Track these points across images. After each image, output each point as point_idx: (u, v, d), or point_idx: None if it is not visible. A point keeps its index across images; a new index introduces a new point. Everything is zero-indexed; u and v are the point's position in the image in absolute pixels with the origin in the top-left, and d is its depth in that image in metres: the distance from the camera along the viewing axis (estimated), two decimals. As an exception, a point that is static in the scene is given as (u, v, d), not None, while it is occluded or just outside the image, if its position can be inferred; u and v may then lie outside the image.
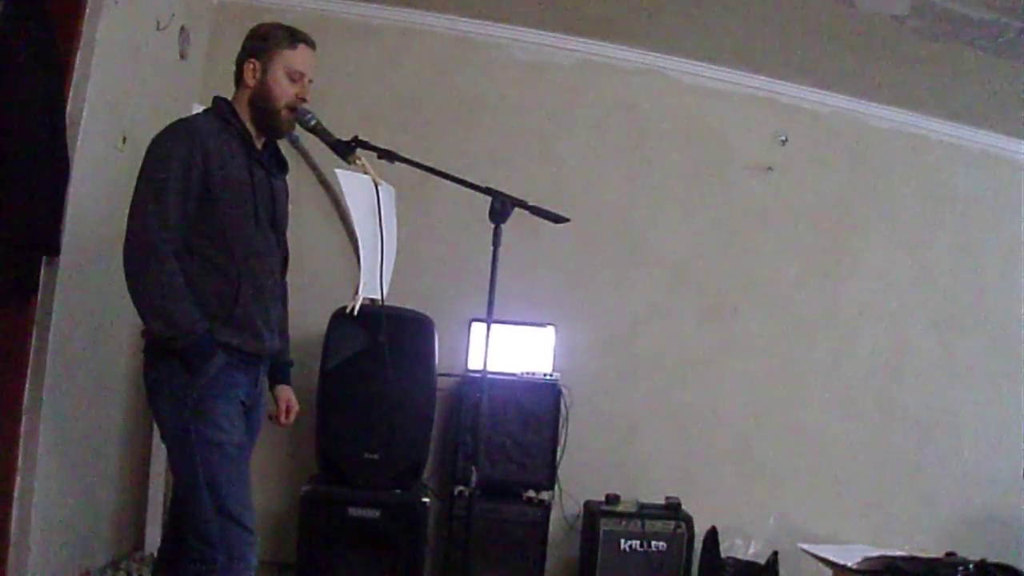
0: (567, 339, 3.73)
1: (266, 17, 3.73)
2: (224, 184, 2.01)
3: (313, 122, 2.20)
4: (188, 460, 1.96)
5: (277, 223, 2.20)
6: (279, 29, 2.15)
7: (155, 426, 3.42)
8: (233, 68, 2.17)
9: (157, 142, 2.01)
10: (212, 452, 1.96)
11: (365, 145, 2.20)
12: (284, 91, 2.11)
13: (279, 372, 2.32)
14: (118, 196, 2.91)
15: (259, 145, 2.16)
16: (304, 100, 2.15)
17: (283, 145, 3.08)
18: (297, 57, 2.12)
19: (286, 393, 2.33)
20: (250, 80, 2.11)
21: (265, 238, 2.13)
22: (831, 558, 3.15)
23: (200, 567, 1.95)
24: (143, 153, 2.03)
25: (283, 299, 2.30)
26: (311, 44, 2.16)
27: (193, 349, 1.93)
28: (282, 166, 2.26)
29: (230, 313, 2.01)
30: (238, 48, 2.18)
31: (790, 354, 4.17)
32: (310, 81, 2.16)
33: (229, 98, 2.15)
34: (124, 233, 1.96)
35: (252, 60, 2.11)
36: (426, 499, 3.21)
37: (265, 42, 2.12)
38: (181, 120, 2.06)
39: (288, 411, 2.32)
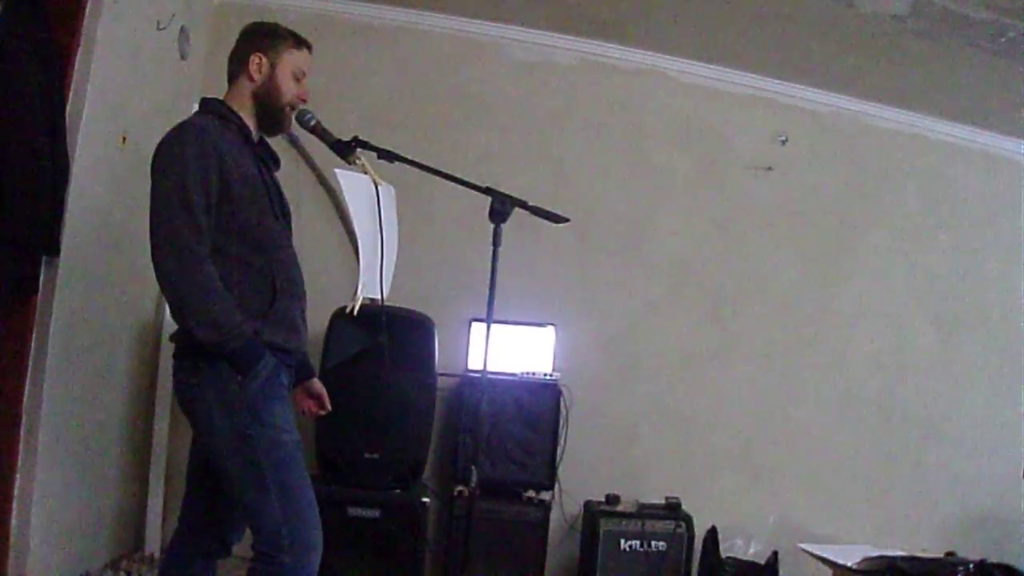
0: (567, 339, 3.73)
1: (266, 17, 3.73)
2: (241, 181, 1.98)
3: (313, 122, 2.21)
4: (253, 465, 1.91)
5: (287, 216, 2.19)
6: (281, 29, 2.16)
7: (155, 427, 3.45)
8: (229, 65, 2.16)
9: (168, 146, 1.96)
10: (277, 454, 1.92)
11: (365, 145, 2.20)
12: (290, 89, 2.12)
13: (305, 367, 2.30)
14: (118, 196, 2.93)
15: (255, 139, 2.15)
16: (305, 100, 2.16)
17: (283, 145, 3.08)
18: (302, 58, 2.14)
19: (318, 385, 2.32)
20: (256, 74, 2.09)
21: (283, 231, 2.12)
22: (831, 558, 3.15)
23: (267, 567, 1.91)
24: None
25: None
26: (311, 47, 2.18)
27: (244, 351, 1.89)
28: (275, 161, 2.26)
29: (269, 309, 1.98)
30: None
31: (790, 354, 4.17)
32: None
33: (220, 97, 2.13)
34: (151, 242, 1.90)
35: (259, 55, 2.09)
36: (426, 499, 3.21)
37: (272, 39, 2.12)
38: (186, 122, 2.02)
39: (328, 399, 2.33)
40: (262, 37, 2.13)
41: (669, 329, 4.08)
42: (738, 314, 4.14)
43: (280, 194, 2.17)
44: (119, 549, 3.29)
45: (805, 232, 4.24)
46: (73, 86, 2.66)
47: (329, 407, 2.33)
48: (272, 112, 2.12)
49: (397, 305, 3.25)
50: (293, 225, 2.22)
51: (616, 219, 4.08)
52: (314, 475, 3.22)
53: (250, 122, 2.11)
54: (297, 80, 2.13)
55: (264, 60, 2.09)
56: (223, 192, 1.95)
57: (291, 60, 2.12)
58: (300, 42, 2.15)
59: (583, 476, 3.75)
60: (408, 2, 3.84)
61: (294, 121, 2.22)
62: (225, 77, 2.16)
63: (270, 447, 1.91)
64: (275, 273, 2.01)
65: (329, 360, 3.20)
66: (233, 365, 1.89)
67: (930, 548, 3.43)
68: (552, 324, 3.68)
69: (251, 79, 2.10)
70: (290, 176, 3.70)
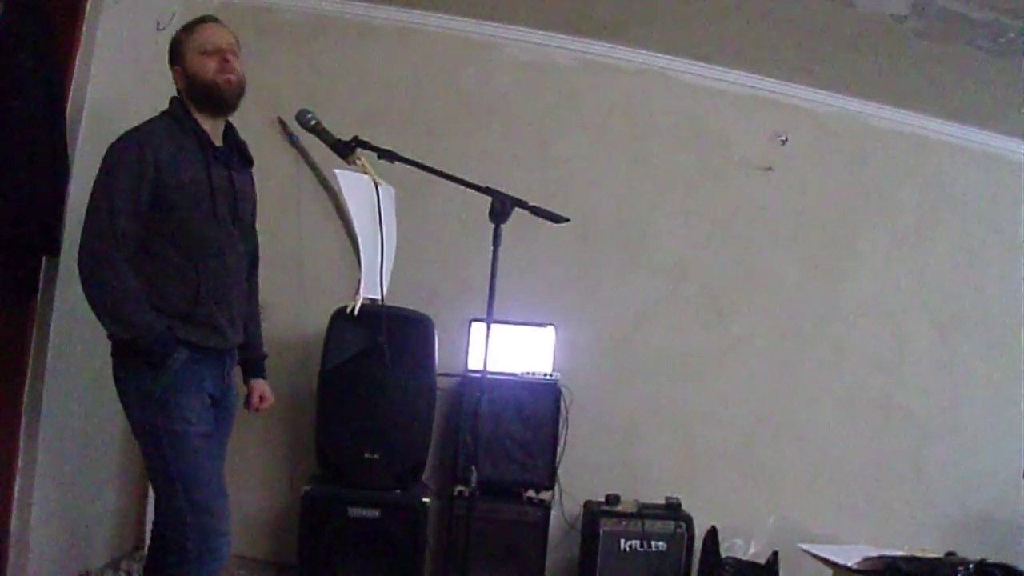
0: (567, 339, 3.72)
1: (266, 17, 3.75)
2: (179, 188, 2.06)
3: (313, 122, 2.22)
4: (158, 454, 2.05)
5: (240, 219, 2.24)
6: (178, 34, 2.24)
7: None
8: None
9: (109, 153, 2.08)
10: (180, 444, 2.04)
11: (365, 145, 2.21)
12: (203, 67, 2.16)
13: (254, 366, 2.42)
14: (118, 196, 2.92)
15: (218, 142, 2.20)
16: (227, 61, 2.17)
17: (283, 145, 3.09)
18: (197, 38, 2.19)
19: (260, 385, 2.43)
20: (180, 83, 2.19)
21: (227, 236, 2.17)
22: (831, 558, 3.15)
23: (174, 558, 2.03)
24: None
25: (253, 293, 2.38)
26: (209, 20, 2.24)
27: (154, 347, 2.01)
28: (245, 160, 2.29)
29: (191, 311, 2.08)
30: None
31: (790, 354, 4.17)
32: (232, 53, 2.20)
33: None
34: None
35: (174, 68, 2.21)
36: (426, 499, 3.21)
37: (174, 49, 2.22)
38: (135, 129, 2.12)
39: (262, 399, 2.43)
40: (170, 54, 2.23)
41: (669, 329, 4.08)
42: (738, 314, 4.14)
43: (236, 198, 2.20)
44: (119, 549, 3.29)
45: (805, 232, 4.23)
46: (73, 86, 2.66)
47: (256, 404, 2.42)
48: (206, 95, 2.16)
49: (397, 305, 3.25)
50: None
51: (616, 219, 4.07)
52: (314, 475, 3.27)
53: (206, 123, 2.17)
54: (207, 54, 2.16)
55: (177, 69, 2.20)
56: (156, 199, 2.04)
57: (189, 47, 2.18)
58: (191, 26, 2.22)
59: (583, 476, 3.75)
60: (408, 2, 3.84)
61: (294, 121, 2.24)
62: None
63: (175, 438, 2.04)
64: (202, 280, 2.10)
65: (329, 360, 3.20)
66: (145, 359, 2.02)
67: (930, 548, 3.43)
68: (552, 324, 3.68)
69: (181, 88, 2.19)
70: (290, 176, 3.73)
